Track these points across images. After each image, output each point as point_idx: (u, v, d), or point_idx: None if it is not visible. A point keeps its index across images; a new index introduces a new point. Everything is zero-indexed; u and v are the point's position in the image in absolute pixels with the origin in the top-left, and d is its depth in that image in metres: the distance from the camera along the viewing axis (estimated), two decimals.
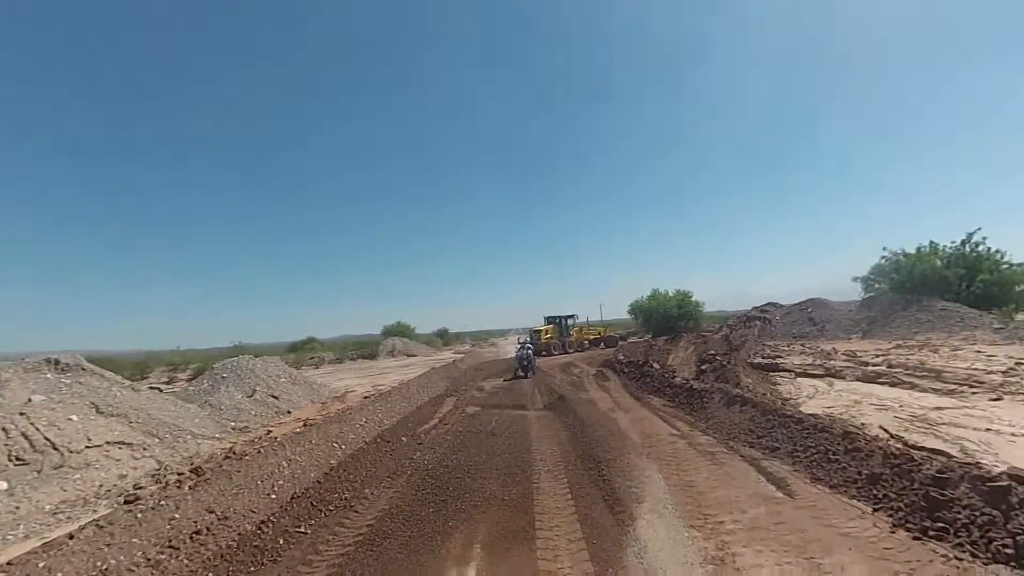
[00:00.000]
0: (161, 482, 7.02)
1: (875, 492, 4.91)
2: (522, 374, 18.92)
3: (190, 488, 5.67)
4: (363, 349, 39.20)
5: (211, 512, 5.30)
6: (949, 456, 5.62)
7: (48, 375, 10.38)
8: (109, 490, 7.08)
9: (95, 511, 6.15)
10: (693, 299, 37.22)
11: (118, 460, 8.27)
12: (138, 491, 6.82)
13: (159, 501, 5.24)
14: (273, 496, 6.08)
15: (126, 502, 5.82)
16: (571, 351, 30.26)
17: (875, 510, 4.66)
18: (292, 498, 6.13)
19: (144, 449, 8.89)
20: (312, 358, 37.04)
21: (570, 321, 32.41)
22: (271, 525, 5.34)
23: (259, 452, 7.11)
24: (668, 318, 36.17)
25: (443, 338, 55.12)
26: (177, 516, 5.10)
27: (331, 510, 5.79)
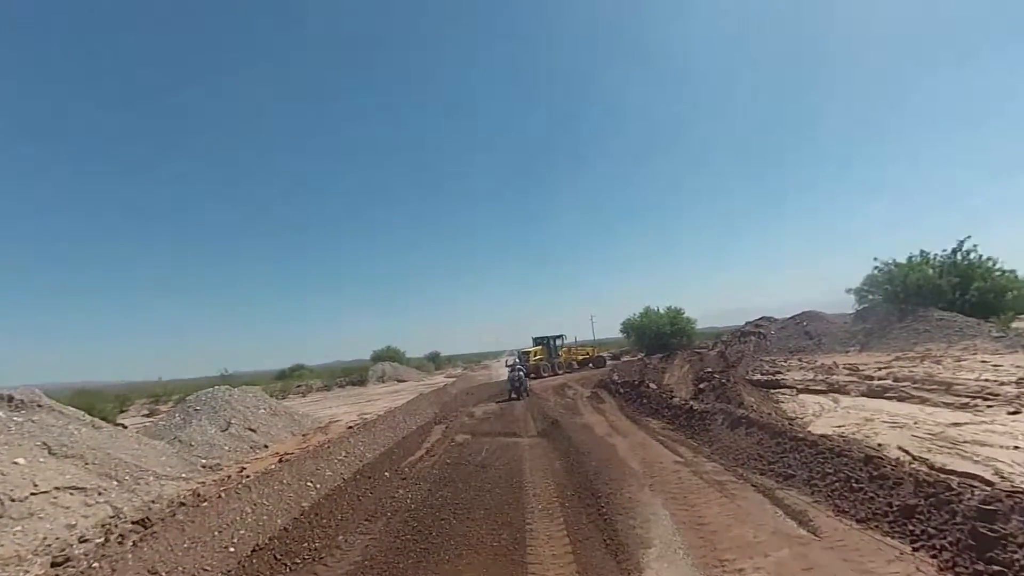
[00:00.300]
0: (108, 535, 6.26)
1: (911, 528, 4.33)
2: (515, 396, 18.38)
3: (133, 544, 4.96)
4: (352, 375, 38.22)
5: (154, 573, 4.59)
6: (986, 481, 5.09)
7: (0, 413, 9.58)
8: (50, 544, 6.29)
9: (26, 572, 5.39)
10: (685, 315, 36.91)
11: (67, 508, 7.46)
12: (82, 544, 6.07)
13: (92, 562, 4.53)
14: (231, 549, 5.36)
15: (54, 564, 5.08)
16: (560, 372, 29.56)
17: (915, 549, 4.08)
18: (253, 551, 5.41)
19: (99, 494, 8.09)
20: (299, 386, 36.01)
21: (558, 341, 31.73)
22: None
23: (220, 496, 6.39)
24: (661, 335, 35.72)
25: (434, 361, 54.16)
26: None
27: (296, 563, 5.09)
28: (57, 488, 7.79)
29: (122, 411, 27.20)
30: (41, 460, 8.23)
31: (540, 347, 30.37)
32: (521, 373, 19.49)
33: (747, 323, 32.75)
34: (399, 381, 35.47)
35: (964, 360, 14.06)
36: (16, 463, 7.86)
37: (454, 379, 31.05)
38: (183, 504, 6.68)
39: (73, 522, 7.16)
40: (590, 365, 31.93)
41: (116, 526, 6.72)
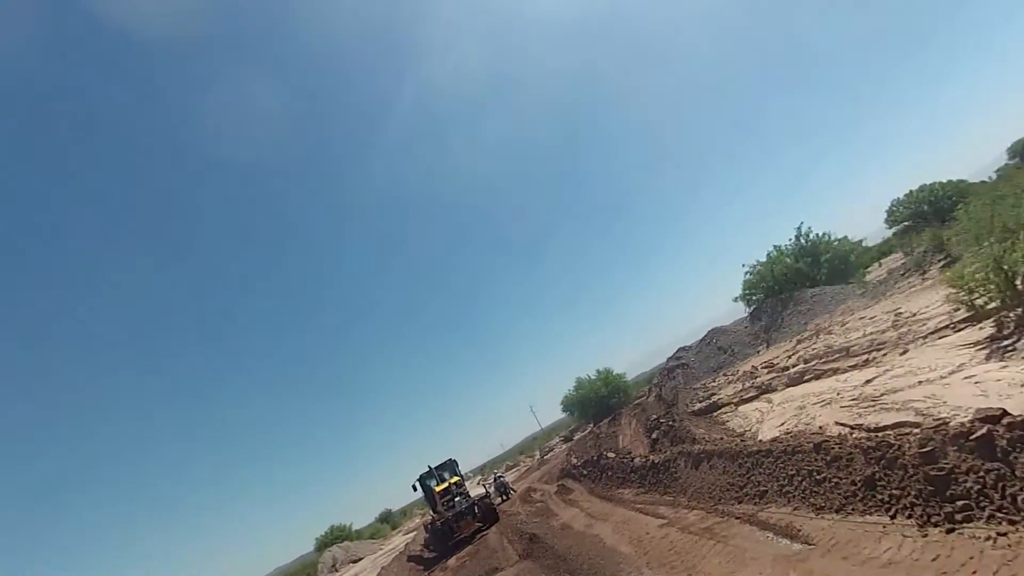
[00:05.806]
0: None
1: (880, 496, 4.43)
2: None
3: None
4: None
5: None
6: (913, 424, 5.48)
7: None
8: None
9: None
10: (615, 373, 37.68)
11: None
12: None
13: None
14: None
15: None
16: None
17: (892, 517, 4.16)
18: None
19: None
20: None
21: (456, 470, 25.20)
22: None
23: None
24: (600, 400, 35.89)
25: (388, 521, 48.69)
26: None
27: None
28: None
29: None
30: None
31: (457, 477, 23.76)
32: (503, 480, 19.55)
33: (668, 359, 34.17)
34: (355, 561, 31.15)
35: (847, 322, 15.75)
36: None
37: (416, 531, 27.94)
38: None
39: None
40: None
41: None
